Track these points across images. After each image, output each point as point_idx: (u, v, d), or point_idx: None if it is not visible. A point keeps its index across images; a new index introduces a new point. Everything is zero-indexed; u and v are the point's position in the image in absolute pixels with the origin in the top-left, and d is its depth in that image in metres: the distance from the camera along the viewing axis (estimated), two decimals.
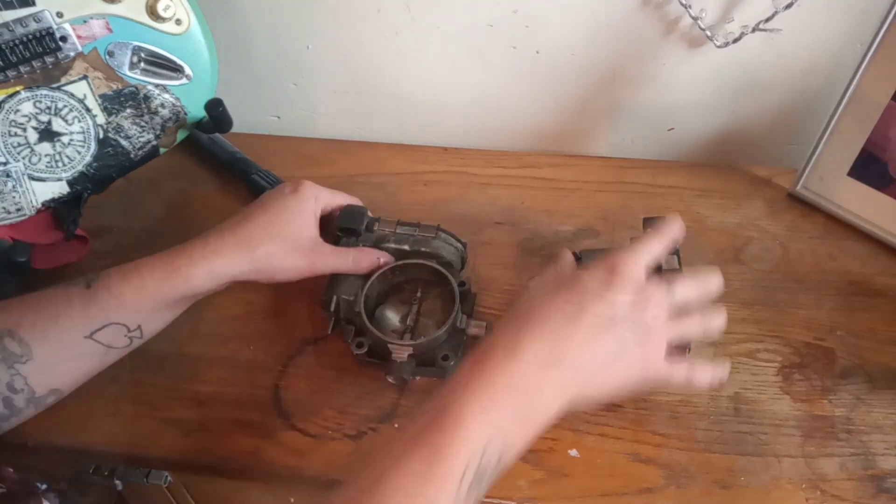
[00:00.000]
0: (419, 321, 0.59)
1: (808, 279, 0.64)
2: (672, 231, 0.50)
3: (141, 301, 0.52)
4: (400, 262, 0.59)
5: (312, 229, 0.58)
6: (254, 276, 0.56)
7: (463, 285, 0.59)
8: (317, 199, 0.59)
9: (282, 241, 0.56)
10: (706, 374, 0.49)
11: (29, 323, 0.51)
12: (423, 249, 0.60)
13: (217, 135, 0.79)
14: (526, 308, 0.47)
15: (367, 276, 0.59)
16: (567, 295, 0.46)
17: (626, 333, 0.45)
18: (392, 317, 0.60)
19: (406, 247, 0.61)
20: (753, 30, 0.68)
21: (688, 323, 0.48)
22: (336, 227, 0.61)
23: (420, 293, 0.60)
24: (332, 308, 0.58)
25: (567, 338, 0.44)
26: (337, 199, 0.62)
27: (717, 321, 0.49)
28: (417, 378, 0.57)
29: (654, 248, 0.49)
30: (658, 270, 0.55)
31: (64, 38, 0.58)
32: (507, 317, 0.47)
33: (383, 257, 0.59)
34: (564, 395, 0.44)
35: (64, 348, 0.51)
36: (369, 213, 0.63)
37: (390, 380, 0.55)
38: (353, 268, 0.59)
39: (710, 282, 0.50)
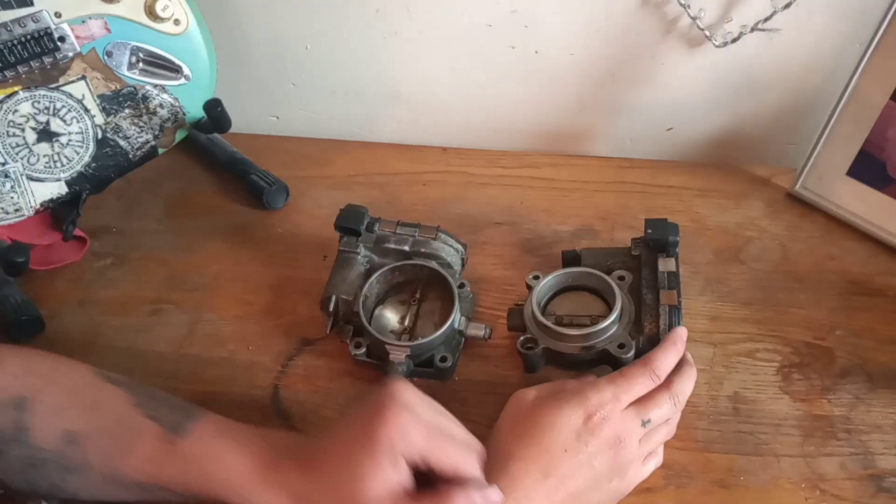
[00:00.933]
0: (418, 322, 0.59)
1: (807, 279, 0.64)
2: (663, 370, 0.48)
3: (201, 492, 0.44)
4: (399, 263, 0.59)
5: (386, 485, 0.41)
6: None
7: (462, 287, 0.59)
8: (400, 464, 0.40)
9: None
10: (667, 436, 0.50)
11: (95, 440, 0.45)
12: (422, 250, 0.60)
13: (216, 135, 0.79)
14: (504, 467, 0.44)
15: (366, 277, 0.59)
16: (545, 456, 0.44)
17: (605, 483, 0.46)
18: (391, 317, 0.59)
19: (406, 247, 0.61)
20: (752, 29, 0.68)
21: (659, 434, 0.49)
22: (336, 230, 0.61)
23: (419, 294, 0.60)
24: (332, 308, 0.58)
25: (538, 494, 0.44)
26: (433, 455, 0.41)
27: (673, 430, 0.50)
28: (415, 379, 0.57)
29: (642, 389, 0.48)
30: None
31: (62, 39, 0.58)
32: (489, 466, 0.43)
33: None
34: None
35: (117, 486, 0.45)
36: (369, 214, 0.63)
37: None
38: None
39: (682, 400, 0.49)
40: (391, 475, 0.40)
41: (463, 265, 0.63)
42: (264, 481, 0.42)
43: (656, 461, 0.50)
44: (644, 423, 0.47)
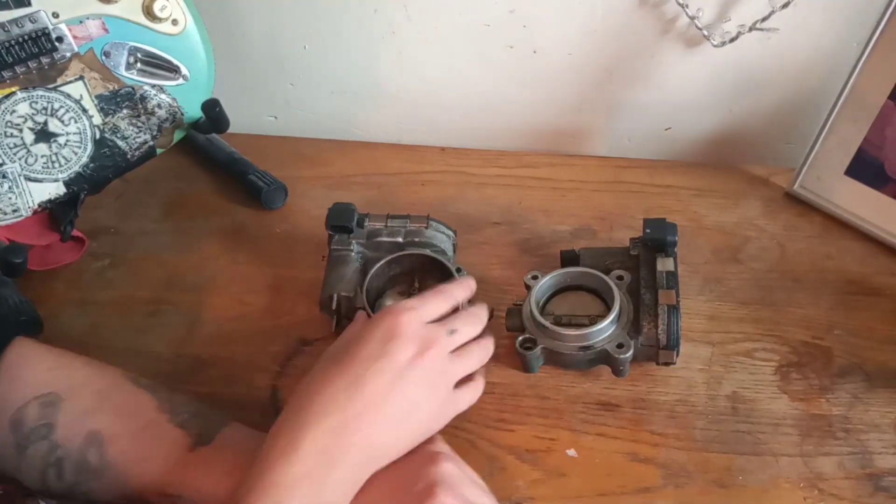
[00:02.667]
0: None
1: (805, 278, 0.64)
2: (459, 294, 0.51)
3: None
4: (395, 255, 0.60)
5: None
6: None
7: (459, 271, 0.59)
8: None
9: None
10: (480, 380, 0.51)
11: (120, 445, 0.45)
12: (416, 240, 0.61)
13: (214, 135, 0.78)
14: (306, 390, 0.44)
15: (362, 272, 0.59)
16: (344, 367, 0.44)
17: (412, 388, 0.45)
18: None
19: (399, 239, 0.61)
20: (750, 29, 0.68)
21: (469, 357, 0.49)
22: (326, 229, 0.62)
23: (418, 283, 0.61)
24: (334, 307, 0.58)
25: (351, 413, 0.42)
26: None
27: (488, 351, 0.51)
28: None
29: (439, 307, 0.49)
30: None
31: (60, 39, 0.58)
32: (293, 399, 0.44)
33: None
34: (360, 472, 0.43)
35: (134, 489, 0.45)
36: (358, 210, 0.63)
37: None
38: None
39: (484, 316, 0.51)
40: None
41: (454, 251, 0.64)
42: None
43: (475, 389, 0.50)
44: (450, 333, 0.48)
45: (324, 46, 0.79)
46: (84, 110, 0.62)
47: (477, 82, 0.79)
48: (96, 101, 0.62)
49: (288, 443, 0.41)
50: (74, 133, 0.62)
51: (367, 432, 0.43)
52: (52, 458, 0.45)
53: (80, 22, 0.58)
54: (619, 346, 0.54)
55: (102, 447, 0.45)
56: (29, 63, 0.58)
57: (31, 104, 0.59)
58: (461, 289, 0.52)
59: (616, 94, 0.78)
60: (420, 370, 0.45)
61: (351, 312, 0.59)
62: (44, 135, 0.61)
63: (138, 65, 0.62)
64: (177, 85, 0.64)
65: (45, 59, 0.58)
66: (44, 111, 0.60)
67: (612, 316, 0.54)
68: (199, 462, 0.45)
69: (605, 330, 0.54)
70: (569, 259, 0.61)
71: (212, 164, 0.79)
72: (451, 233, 0.64)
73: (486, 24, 0.74)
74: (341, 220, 0.61)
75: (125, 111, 0.63)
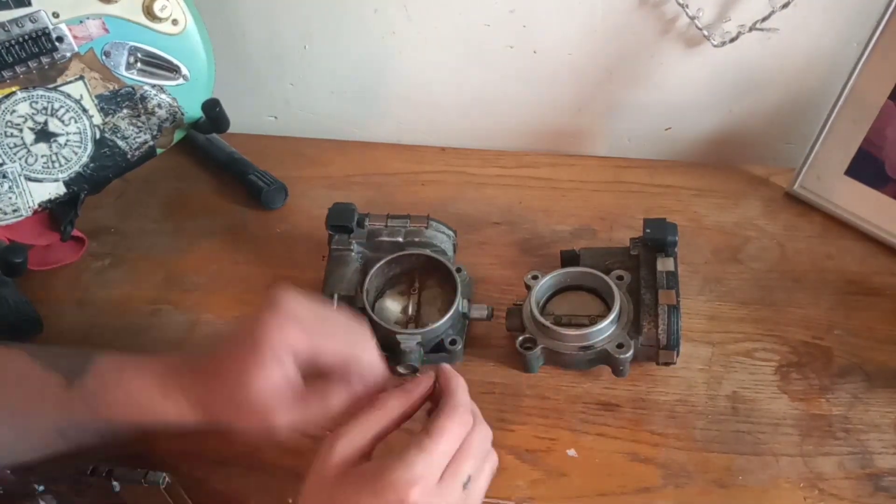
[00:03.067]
0: (421, 310, 0.59)
1: (805, 278, 0.64)
2: (450, 428, 0.41)
3: (114, 422, 0.47)
4: (395, 254, 0.60)
5: (272, 383, 0.43)
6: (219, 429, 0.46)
7: (459, 271, 0.59)
8: (282, 361, 0.43)
9: (231, 406, 0.44)
10: None
11: (3, 407, 0.47)
12: (416, 240, 0.61)
13: (214, 135, 0.78)
14: None
15: (363, 272, 0.59)
16: None
17: None
18: (393, 308, 0.60)
19: (399, 239, 0.61)
20: (750, 29, 0.68)
21: (482, 476, 0.42)
22: (326, 228, 0.62)
23: (418, 283, 0.61)
24: (335, 307, 0.58)
25: None
26: (327, 346, 0.44)
27: (495, 464, 0.44)
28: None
29: (447, 450, 0.40)
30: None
31: (60, 39, 0.58)
32: None
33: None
34: None
35: (32, 435, 0.48)
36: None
37: (400, 370, 0.56)
38: (321, 412, 0.44)
39: (488, 436, 0.43)
40: (275, 373, 0.42)
41: (454, 251, 0.64)
42: (164, 394, 0.45)
43: (489, 469, 0.43)
44: (465, 485, 0.40)
45: (324, 46, 0.79)
46: (84, 110, 0.62)
47: (477, 82, 0.79)
48: (96, 101, 0.62)
49: None
50: (74, 133, 0.62)
51: None
52: None
53: (81, 22, 0.58)
54: (620, 346, 0.54)
55: None
56: (29, 63, 0.58)
57: (31, 104, 0.59)
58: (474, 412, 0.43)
59: (616, 94, 0.78)
60: None
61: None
62: (44, 135, 0.61)
63: (138, 65, 0.62)
64: (177, 85, 0.64)
65: (45, 59, 0.58)
66: (44, 111, 0.60)
67: (612, 316, 0.54)
68: (84, 391, 0.47)
69: (605, 330, 0.54)
70: (569, 259, 0.61)
71: (212, 164, 0.79)
72: (451, 233, 0.64)
73: (486, 24, 0.74)
74: (341, 220, 0.61)
75: (125, 111, 0.63)
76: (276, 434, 0.44)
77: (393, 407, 0.43)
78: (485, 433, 0.43)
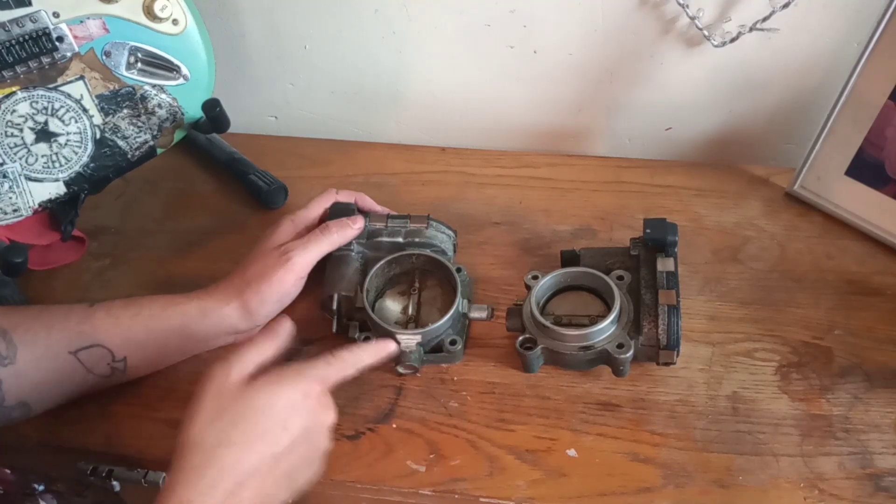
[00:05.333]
0: (421, 310, 0.59)
1: (805, 278, 0.64)
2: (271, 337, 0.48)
3: (134, 327, 0.53)
4: (395, 254, 0.60)
5: (284, 239, 0.59)
6: (247, 314, 0.56)
7: (459, 271, 0.59)
8: (293, 220, 0.61)
9: (255, 264, 0.57)
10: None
11: (24, 328, 0.51)
12: (416, 240, 0.61)
13: (214, 135, 0.79)
14: (202, 450, 0.43)
15: (363, 272, 0.59)
16: (254, 436, 0.44)
17: (315, 455, 0.47)
18: (393, 308, 0.60)
19: (400, 239, 0.61)
20: (751, 29, 0.68)
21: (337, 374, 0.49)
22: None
23: (418, 283, 0.61)
24: (335, 307, 0.58)
25: (229, 472, 0.43)
26: (311, 212, 0.62)
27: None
28: (424, 366, 0.58)
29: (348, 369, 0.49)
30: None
31: (60, 39, 0.58)
32: (176, 459, 0.43)
33: (353, 221, 0.61)
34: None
35: (47, 359, 0.52)
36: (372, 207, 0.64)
37: (400, 370, 0.56)
38: (329, 242, 0.59)
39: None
40: (295, 231, 0.61)
41: (455, 251, 0.64)
42: (188, 295, 0.56)
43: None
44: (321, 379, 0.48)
45: (324, 46, 0.79)
46: (84, 110, 0.62)
47: (477, 82, 0.79)
48: (97, 101, 0.62)
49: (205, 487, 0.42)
50: (75, 133, 0.62)
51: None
52: None
53: (81, 22, 0.58)
54: (620, 346, 0.54)
55: (8, 337, 0.51)
56: (29, 63, 0.58)
57: (31, 104, 0.59)
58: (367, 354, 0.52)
59: (616, 94, 0.78)
60: (324, 436, 0.47)
61: (351, 312, 0.59)
62: (44, 134, 0.61)
63: (139, 64, 0.62)
64: (177, 85, 0.64)
65: (45, 59, 0.58)
66: (44, 111, 0.60)
67: (612, 316, 0.54)
68: (101, 311, 0.53)
69: (605, 330, 0.54)
70: (569, 259, 0.61)
71: (212, 163, 0.79)
72: (451, 233, 0.64)
73: (486, 24, 0.74)
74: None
75: (125, 111, 0.63)
76: (294, 268, 0.56)
77: (281, 338, 0.49)
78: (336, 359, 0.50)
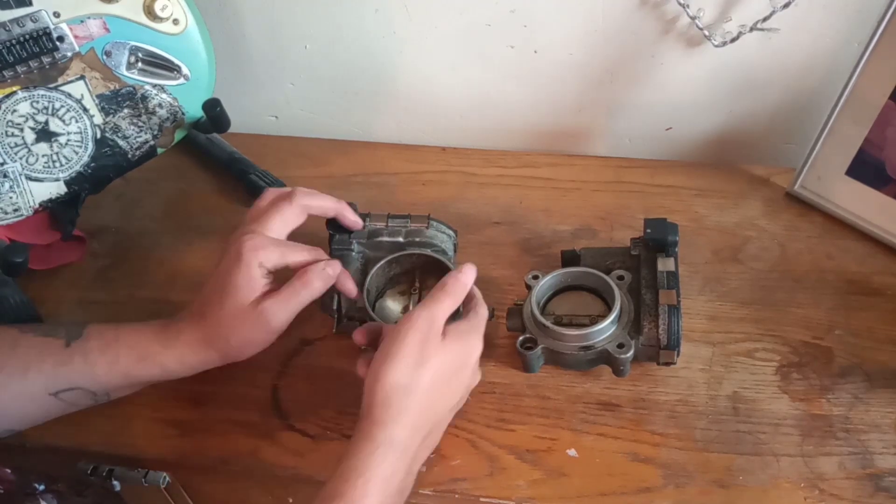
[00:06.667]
0: None
1: (806, 278, 0.64)
2: (459, 291, 0.51)
3: (113, 376, 0.52)
4: (396, 254, 0.60)
5: (255, 290, 0.52)
6: (228, 360, 0.54)
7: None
8: (261, 265, 0.52)
9: (231, 322, 0.52)
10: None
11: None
12: (417, 239, 0.61)
13: (215, 135, 0.79)
14: (387, 398, 0.47)
15: (363, 272, 0.59)
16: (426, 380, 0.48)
17: (455, 382, 0.50)
18: (393, 308, 0.60)
19: (400, 238, 0.61)
20: (751, 29, 0.68)
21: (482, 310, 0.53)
22: (327, 229, 0.62)
23: (418, 282, 0.61)
24: (335, 307, 0.58)
25: (428, 411, 0.48)
26: (288, 257, 0.54)
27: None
28: None
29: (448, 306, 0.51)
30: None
31: (61, 38, 0.58)
32: (376, 398, 0.47)
33: (329, 267, 0.54)
34: (427, 446, 0.50)
35: (25, 399, 0.51)
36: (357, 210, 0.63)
37: None
38: (309, 294, 0.53)
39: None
40: (257, 277, 0.52)
41: (455, 250, 0.64)
42: (164, 342, 0.52)
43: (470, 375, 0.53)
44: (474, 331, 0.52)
45: (324, 46, 0.79)
46: (85, 110, 0.62)
47: (478, 82, 0.79)
48: (97, 101, 0.62)
49: (388, 444, 0.46)
50: (75, 132, 0.62)
51: (437, 419, 0.50)
52: None
53: (82, 21, 0.58)
54: (620, 345, 0.54)
55: None
56: (30, 62, 0.58)
57: (32, 103, 0.59)
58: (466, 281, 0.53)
59: (617, 94, 0.78)
60: (456, 372, 0.50)
61: (352, 312, 0.59)
62: (45, 134, 0.61)
63: (139, 64, 0.62)
64: (178, 84, 0.64)
65: (46, 59, 0.58)
66: (45, 110, 0.60)
67: (612, 316, 0.54)
68: (83, 350, 0.51)
69: (605, 330, 0.54)
70: (569, 259, 0.61)
71: (213, 163, 0.79)
72: (451, 233, 0.64)
73: (487, 23, 0.74)
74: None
75: (126, 111, 0.63)
76: (272, 328, 0.52)
77: (461, 296, 0.52)
78: (482, 312, 0.53)
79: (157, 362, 0.52)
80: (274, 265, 0.53)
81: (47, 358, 0.51)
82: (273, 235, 0.54)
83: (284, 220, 0.55)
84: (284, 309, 0.52)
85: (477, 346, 0.51)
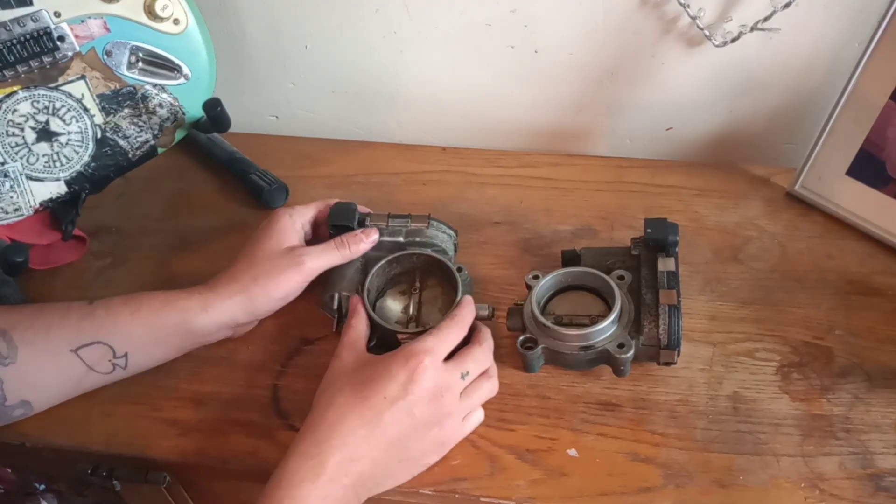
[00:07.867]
0: (422, 309, 0.59)
1: (806, 278, 0.64)
2: (468, 318, 0.54)
3: (135, 325, 0.53)
4: (396, 254, 0.60)
5: (292, 240, 0.59)
6: (251, 308, 0.57)
7: (460, 270, 0.59)
8: (291, 216, 0.60)
9: (264, 262, 0.57)
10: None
11: (23, 327, 0.52)
12: (417, 239, 0.61)
13: (215, 135, 0.79)
14: (323, 415, 0.48)
15: (365, 271, 0.59)
16: (366, 403, 0.48)
17: (425, 432, 0.50)
18: (394, 307, 0.60)
19: (401, 238, 0.62)
20: (752, 29, 0.68)
21: (478, 392, 0.53)
22: (327, 226, 0.62)
23: (419, 282, 0.61)
24: (336, 306, 0.58)
25: (365, 451, 0.47)
26: (310, 211, 0.62)
27: (495, 386, 0.55)
28: None
29: (454, 340, 0.52)
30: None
31: (62, 38, 0.58)
32: (313, 417, 0.48)
33: (366, 234, 0.60)
34: (367, 494, 0.49)
35: (47, 357, 0.52)
36: (360, 209, 0.63)
37: None
38: (341, 255, 0.59)
39: (490, 346, 0.54)
40: (290, 226, 0.59)
41: (455, 250, 0.64)
42: (190, 291, 0.55)
43: (477, 418, 0.54)
44: (463, 376, 0.51)
45: (325, 46, 0.79)
46: (85, 109, 0.62)
47: (478, 82, 0.79)
48: (98, 101, 0.62)
49: (315, 464, 0.45)
50: (76, 132, 0.62)
51: (382, 464, 0.48)
52: None
53: (82, 21, 0.58)
54: (620, 345, 0.54)
55: (7, 337, 0.51)
56: (30, 62, 0.58)
57: (32, 103, 0.59)
58: (469, 312, 0.54)
59: (617, 94, 0.78)
60: (435, 414, 0.49)
61: None
62: (45, 134, 0.61)
63: (140, 64, 0.62)
64: (178, 84, 0.64)
65: (46, 59, 0.58)
66: (45, 110, 0.60)
67: (612, 316, 0.54)
68: (100, 309, 0.53)
69: (605, 330, 0.54)
70: (570, 259, 0.61)
71: (213, 163, 0.79)
72: (452, 232, 0.64)
73: (487, 23, 0.74)
74: (342, 220, 0.61)
75: (126, 110, 0.63)
76: (305, 274, 0.57)
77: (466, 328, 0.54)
78: (487, 346, 0.54)
79: (180, 307, 0.54)
80: (307, 220, 0.61)
81: (71, 314, 0.53)
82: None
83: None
84: (318, 257, 0.58)
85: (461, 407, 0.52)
